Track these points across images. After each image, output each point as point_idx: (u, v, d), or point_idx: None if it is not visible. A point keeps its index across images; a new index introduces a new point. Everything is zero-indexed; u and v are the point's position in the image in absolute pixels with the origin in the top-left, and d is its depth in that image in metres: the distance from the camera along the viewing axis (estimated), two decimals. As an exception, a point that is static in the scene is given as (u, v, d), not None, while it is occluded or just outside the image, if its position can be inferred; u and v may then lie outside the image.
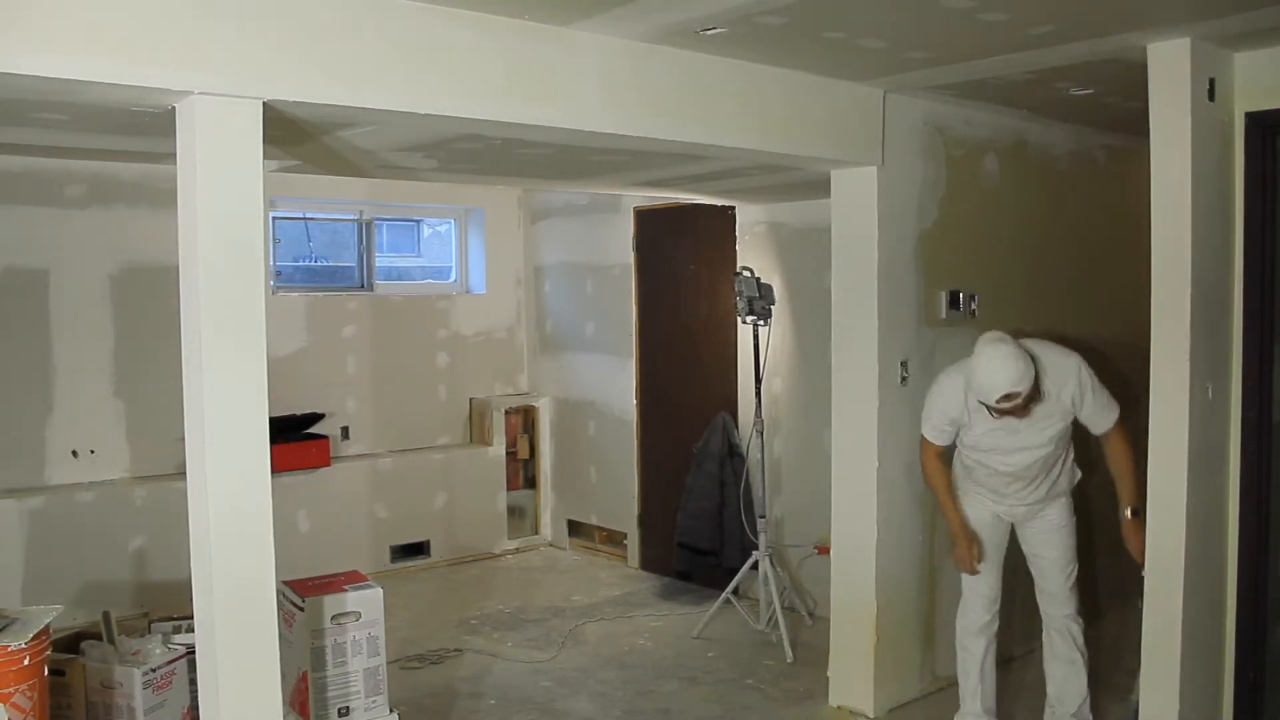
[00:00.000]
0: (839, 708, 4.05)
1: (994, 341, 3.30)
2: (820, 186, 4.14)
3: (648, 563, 6.06)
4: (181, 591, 2.88)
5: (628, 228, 6.10)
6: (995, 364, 3.23)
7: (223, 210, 2.47)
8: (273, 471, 2.60)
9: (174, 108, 2.52)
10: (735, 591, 5.00)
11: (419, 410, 6.37)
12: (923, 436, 3.64)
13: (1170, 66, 3.22)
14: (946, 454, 3.69)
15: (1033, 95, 3.93)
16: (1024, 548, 3.69)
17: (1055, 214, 4.72)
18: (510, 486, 6.59)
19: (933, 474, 3.68)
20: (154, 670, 3.39)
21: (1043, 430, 3.42)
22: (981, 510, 3.64)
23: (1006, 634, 3.81)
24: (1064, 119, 4.50)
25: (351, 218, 6.31)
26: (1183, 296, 3.21)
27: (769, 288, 4.87)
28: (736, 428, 5.40)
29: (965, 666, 3.71)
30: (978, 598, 3.66)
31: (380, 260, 6.47)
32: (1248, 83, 3.38)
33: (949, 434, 3.57)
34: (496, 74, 2.88)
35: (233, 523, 2.53)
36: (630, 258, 6.10)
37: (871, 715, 3.96)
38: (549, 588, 5.79)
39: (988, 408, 3.32)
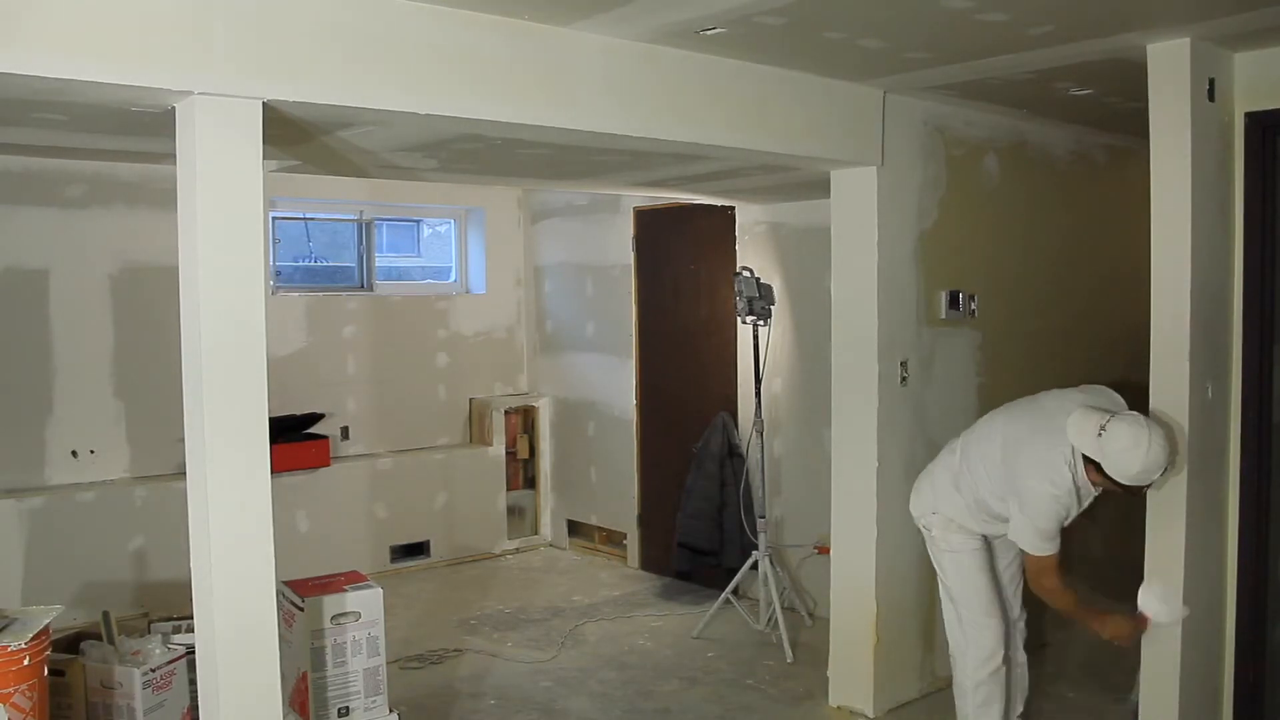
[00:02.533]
0: (839, 708, 4.05)
1: (1143, 424, 3.04)
2: (820, 186, 4.14)
3: (648, 563, 6.06)
4: (181, 591, 2.88)
5: (628, 228, 6.10)
6: (1155, 451, 2.99)
7: (223, 210, 2.47)
8: (273, 471, 2.60)
9: (174, 108, 2.52)
10: (735, 591, 5.00)
11: (419, 410, 6.37)
12: (1042, 557, 3.18)
13: (1170, 66, 3.22)
14: (954, 477, 3.43)
15: (1033, 95, 3.93)
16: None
17: (1055, 214, 4.72)
18: (510, 486, 6.59)
19: (1063, 593, 3.23)
20: (154, 670, 3.39)
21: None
22: (970, 539, 3.43)
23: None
24: (1064, 119, 4.50)
25: (351, 218, 6.31)
26: (1183, 296, 3.21)
27: (769, 288, 4.87)
28: (736, 428, 5.40)
29: (989, 704, 3.43)
30: (990, 633, 3.41)
31: (380, 260, 6.47)
32: (1248, 83, 3.39)
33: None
34: (496, 74, 2.88)
35: (233, 523, 2.53)
36: (630, 258, 6.10)
37: (871, 715, 3.96)
38: (549, 588, 5.79)
39: (1113, 484, 3.08)
